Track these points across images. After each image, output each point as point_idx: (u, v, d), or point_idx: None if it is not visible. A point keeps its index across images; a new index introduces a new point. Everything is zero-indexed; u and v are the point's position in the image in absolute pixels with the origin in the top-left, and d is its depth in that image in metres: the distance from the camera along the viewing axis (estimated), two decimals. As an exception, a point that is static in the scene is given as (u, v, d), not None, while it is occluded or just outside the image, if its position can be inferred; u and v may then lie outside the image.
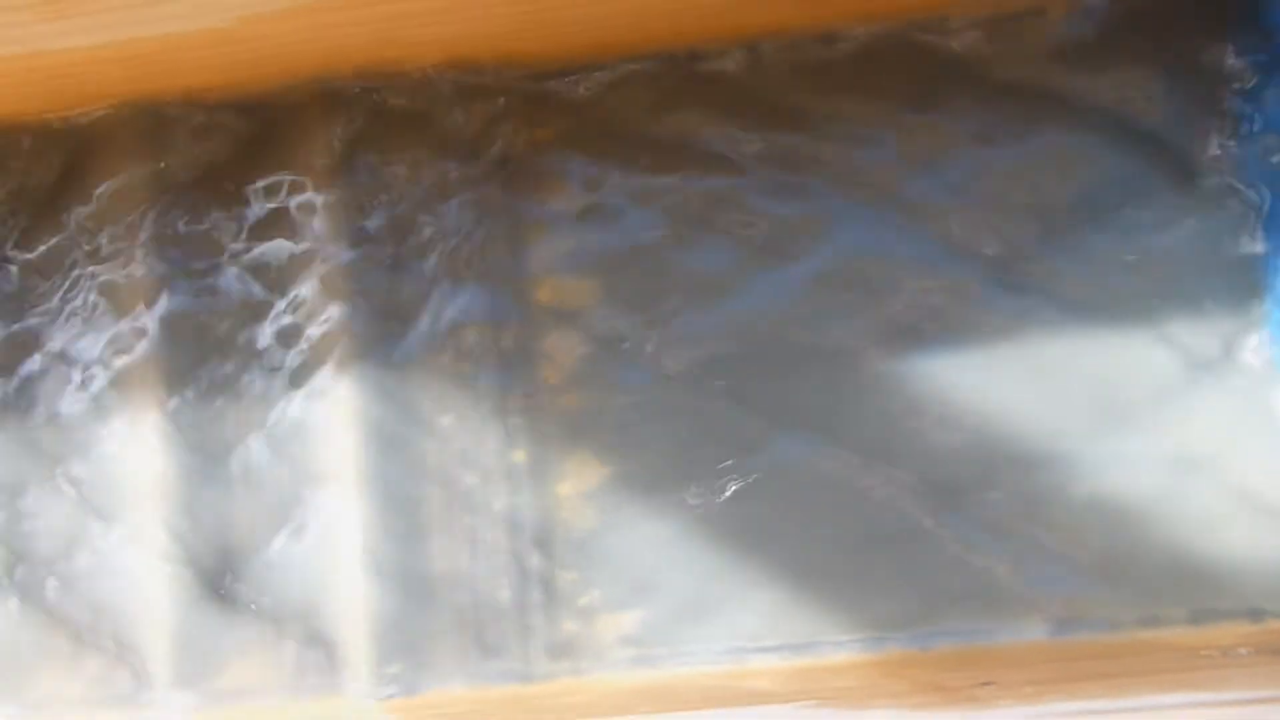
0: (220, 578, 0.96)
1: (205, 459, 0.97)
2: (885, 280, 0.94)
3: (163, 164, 0.98)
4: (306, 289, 0.97)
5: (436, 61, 0.95)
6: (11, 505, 0.98)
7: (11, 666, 0.97)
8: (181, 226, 0.98)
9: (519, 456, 0.95)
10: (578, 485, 0.95)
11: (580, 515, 0.95)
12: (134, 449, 0.97)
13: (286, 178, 0.98)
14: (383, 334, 0.96)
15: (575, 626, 0.94)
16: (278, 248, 0.97)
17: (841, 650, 0.92)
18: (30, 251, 1.00)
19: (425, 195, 0.97)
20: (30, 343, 0.99)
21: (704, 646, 0.93)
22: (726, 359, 0.95)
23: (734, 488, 0.94)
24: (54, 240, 1.01)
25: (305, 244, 0.97)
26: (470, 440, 0.95)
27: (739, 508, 0.94)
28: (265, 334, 0.97)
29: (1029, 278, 0.93)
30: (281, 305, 0.97)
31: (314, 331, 0.97)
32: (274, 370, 0.97)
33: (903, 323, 0.93)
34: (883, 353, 0.93)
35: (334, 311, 0.96)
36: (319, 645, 0.95)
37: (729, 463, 0.94)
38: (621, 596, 0.94)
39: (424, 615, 0.94)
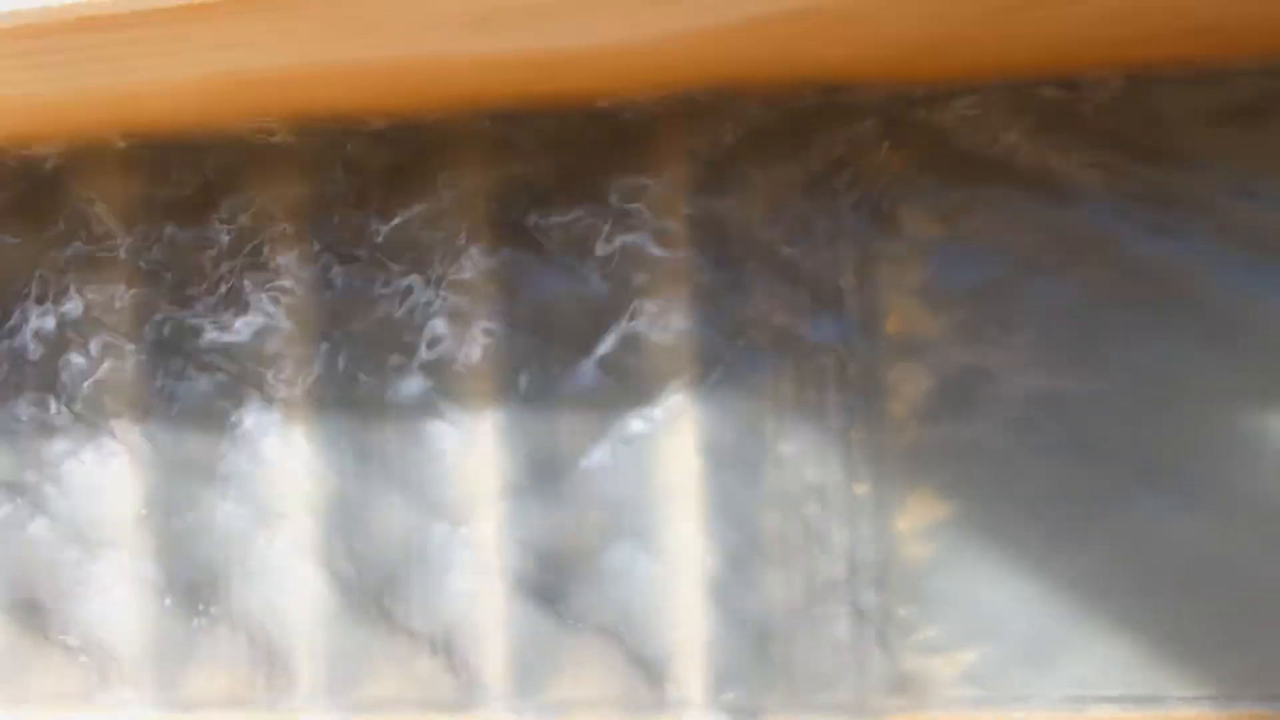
0: (554, 591, 0.97)
1: (542, 470, 0.97)
2: (1263, 331, 0.90)
3: (517, 166, 0.98)
4: (653, 298, 0.96)
5: (804, 78, 0.92)
6: (351, 514, 1.00)
7: (345, 666, 0.99)
8: (538, 222, 0.97)
9: (861, 489, 0.94)
10: (918, 521, 0.94)
11: (919, 552, 0.94)
12: (470, 454, 0.98)
13: (644, 182, 0.96)
14: (728, 353, 0.95)
15: (911, 663, 0.93)
16: (629, 252, 0.96)
17: (1188, 706, 0.90)
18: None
19: (780, 214, 0.95)
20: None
21: (1042, 691, 0.92)
22: (1083, 403, 0.92)
23: (1079, 535, 0.92)
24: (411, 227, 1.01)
25: (658, 252, 0.96)
26: (812, 470, 0.94)
27: (1084, 555, 0.92)
28: (609, 340, 0.96)
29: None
30: (627, 312, 0.96)
31: (659, 342, 0.96)
32: (618, 379, 0.96)
33: (1272, 375, 0.90)
34: (1254, 406, 0.90)
35: (680, 324, 0.95)
36: (652, 665, 0.96)
37: (1075, 510, 0.92)
38: (959, 636, 0.93)
39: (761, 643, 0.94)
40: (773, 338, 0.95)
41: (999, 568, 0.93)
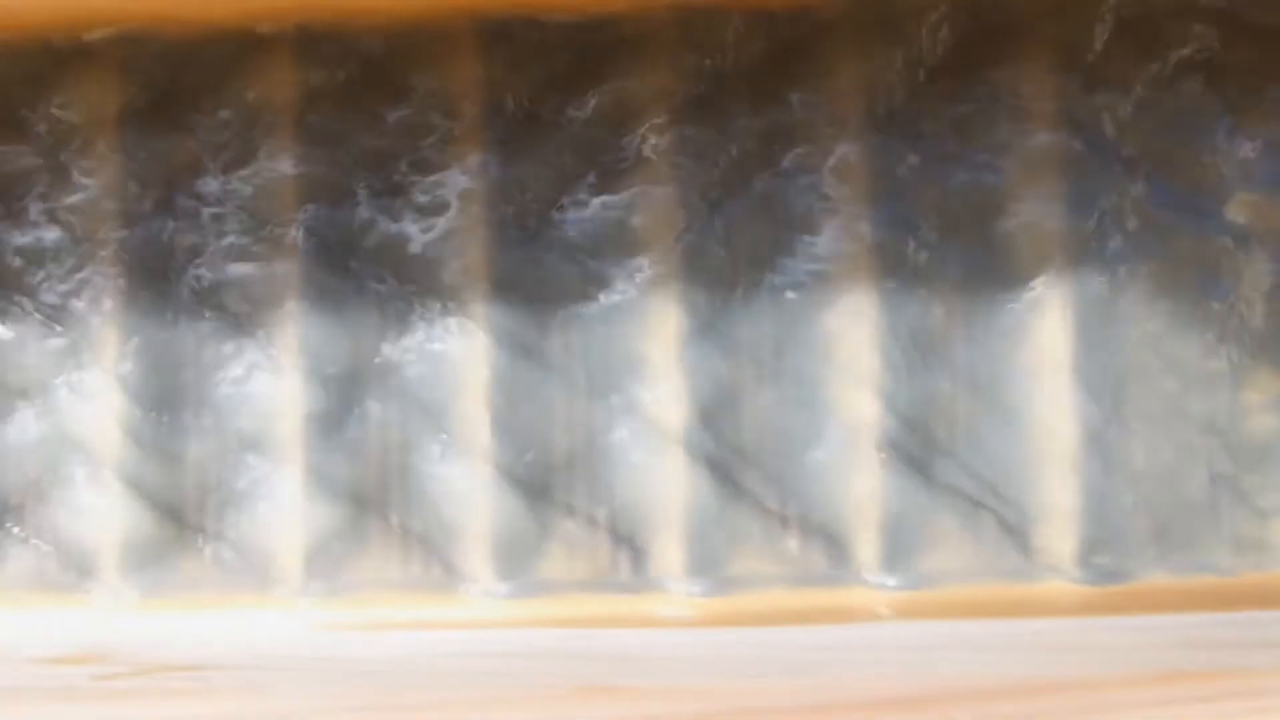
0: (925, 463, 1.00)
1: (917, 347, 1.00)
2: None
3: (899, 56, 1.00)
4: (1030, 185, 1.00)
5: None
6: (721, 396, 1.01)
7: (708, 543, 1.00)
8: (918, 112, 1.00)
9: (1216, 364, 1.01)
10: (1265, 394, 1.01)
11: (1267, 422, 1.01)
12: (847, 336, 1.00)
13: (1019, 73, 1.00)
14: (1095, 236, 1.00)
15: (1256, 527, 1.01)
16: (1006, 140, 1.00)
17: None
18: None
19: (1144, 108, 1.00)
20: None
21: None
22: None
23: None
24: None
25: (1032, 142, 1.00)
26: (1171, 345, 1.00)
27: None
28: (987, 224, 1.00)
29: None
30: (1006, 198, 1.00)
31: (1034, 226, 1.00)
32: (995, 259, 1.00)
33: None
34: None
35: (1053, 210, 1.00)
36: (1021, 532, 1.00)
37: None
38: (1298, 501, 1.01)
39: (1126, 508, 1.00)
40: (1136, 223, 1.01)
41: (1334, 437, 1.01)
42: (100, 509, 1.01)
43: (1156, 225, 1.01)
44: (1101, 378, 1.00)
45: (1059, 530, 1.00)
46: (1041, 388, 1.00)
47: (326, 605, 1.00)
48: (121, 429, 1.01)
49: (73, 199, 1.02)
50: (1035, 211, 1.00)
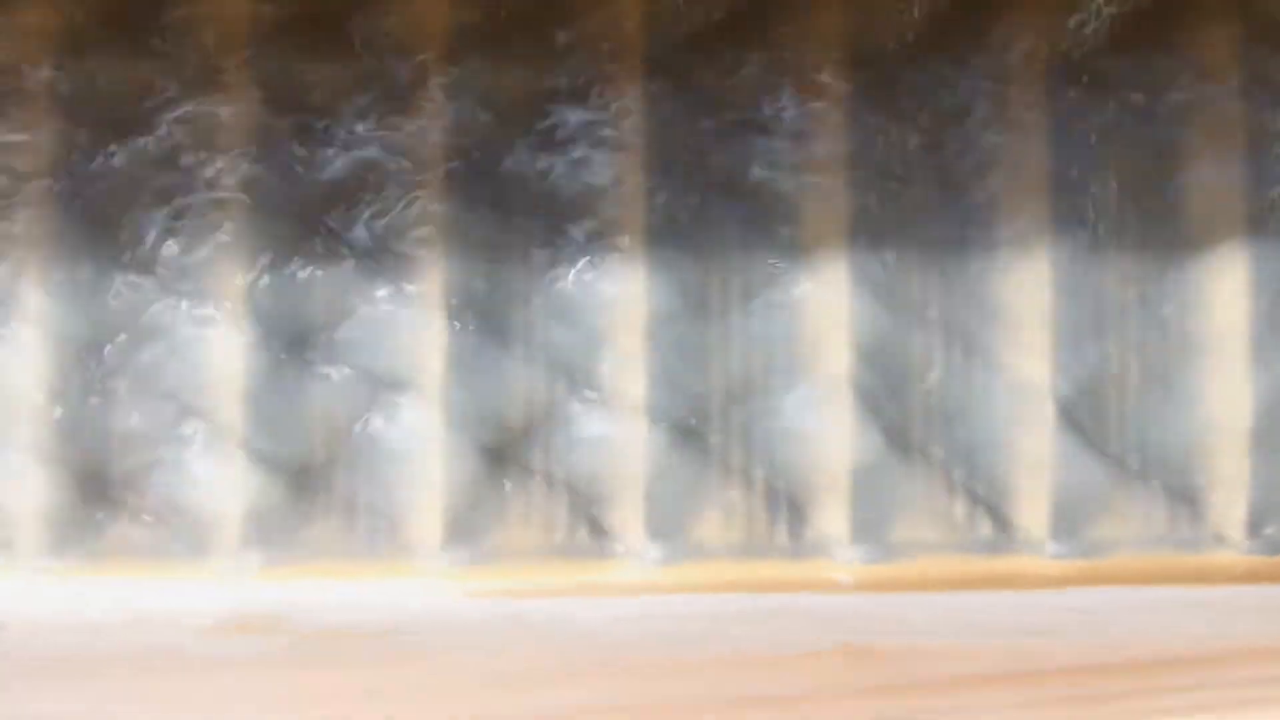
0: (1097, 428, 0.97)
1: (1095, 311, 0.97)
2: None
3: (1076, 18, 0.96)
4: (1209, 148, 0.97)
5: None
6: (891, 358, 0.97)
7: (879, 509, 0.96)
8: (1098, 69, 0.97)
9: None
10: None
11: None
12: (1022, 297, 0.96)
13: (1193, 39, 0.97)
14: (1262, 205, 0.98)
15: None
16: (1181, 102, 0.97)
17: None
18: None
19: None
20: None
21: None
22: None
23: None
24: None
25: (1210, 103, 0.97)
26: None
27: None
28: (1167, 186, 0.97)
29: None
30: (1184, 159, 0.97)
31: (1214, 187, 0.97)
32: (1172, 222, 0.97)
33: None
34: None
35: (1233, 171, 0.97)
36: (1191, 504, 0.98)
37: None
38: None
39: (1298, 480, 0.98)
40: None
41: None
42: (221, 476, 0.93)
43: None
44: (1277, 348, 0.98)
45: (1229, 500, 0.98)
46: (1216, 358, 0.97)
47: (466, 573, 0.94)
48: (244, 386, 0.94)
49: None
50: (1214, 178, 0.97)
